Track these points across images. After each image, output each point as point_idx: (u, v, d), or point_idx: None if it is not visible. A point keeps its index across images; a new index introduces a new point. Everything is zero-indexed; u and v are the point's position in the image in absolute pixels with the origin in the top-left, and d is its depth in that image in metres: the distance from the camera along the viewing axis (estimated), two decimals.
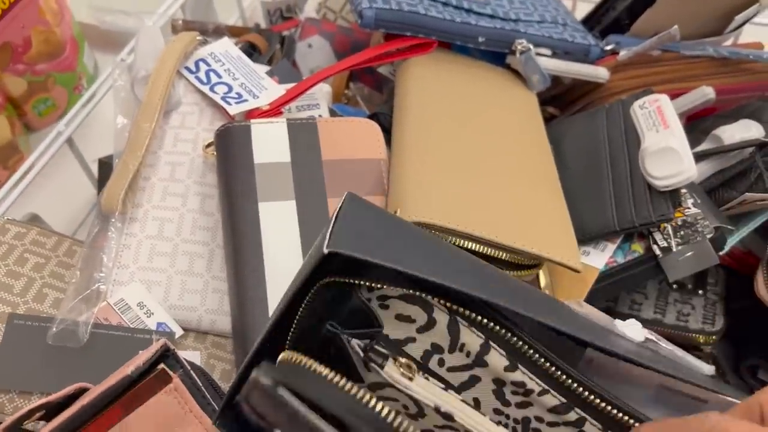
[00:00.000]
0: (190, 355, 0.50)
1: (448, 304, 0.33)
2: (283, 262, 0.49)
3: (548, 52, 0.66)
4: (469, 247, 0.49)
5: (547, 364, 0.33)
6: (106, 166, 0.65)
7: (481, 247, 0.49)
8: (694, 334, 0.58)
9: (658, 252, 0.53)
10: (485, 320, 0.33)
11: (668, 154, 0.53)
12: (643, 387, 0.36)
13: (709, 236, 0.52)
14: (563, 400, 0.33)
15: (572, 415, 0.34)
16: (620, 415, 0.33)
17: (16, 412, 0.38)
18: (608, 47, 0.67)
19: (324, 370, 0.27)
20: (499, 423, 0.36)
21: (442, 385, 0.34)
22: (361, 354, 0.30)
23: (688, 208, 0.53)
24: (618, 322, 0.42)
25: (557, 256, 0.50)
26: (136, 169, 0.54)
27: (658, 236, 0.53)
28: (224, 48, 0.65)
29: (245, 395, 0.28)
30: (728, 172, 0.56)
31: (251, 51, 0.73)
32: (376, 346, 0.30)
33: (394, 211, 0.49)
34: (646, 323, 0.58)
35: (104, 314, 0.49)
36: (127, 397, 0.37)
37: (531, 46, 0.64)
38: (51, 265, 0.52)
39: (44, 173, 0.61)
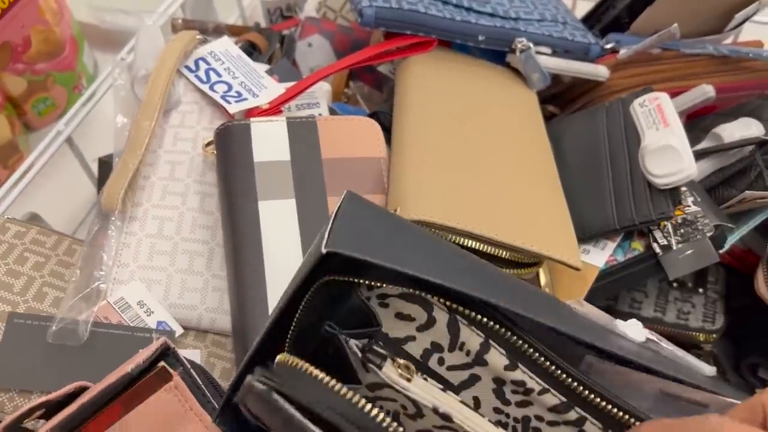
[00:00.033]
0: (190, 353, 0.50)
1: (447, 303, 0.33)
2: (283, 260, 0.49)
3: (548, 50, 0.66)
4: (469, 245, 0.49)
5: (547, 363, 0.33)
6: (105, 165, 0.65)
7: (481, 245, 0.49)
8: (694, 333, 0.58)
9: (658, 250, 0.53)
10: (485, 319, 0.33)
11: (668, 152, 0.53)
12: (643, 392, 0.36)
13: (709, 234, 0.52)
14: (563, 399, 0.33)
15: (572, 414, 0.34)
16: (620, 413, 0.33)
17: (16, 411, 0.38)
18: (608, 46, 0.67)
19: (320, 374, 0.27)
20: (499, 422, 0.36)
21: (441, 386, 0.34)
22: (359, 354, 0.30)
23: (688, 206, 0.53)
24: (619, 322, 0.42)
25: (557, 254, 0.50)
26: (136, 167, 0.54)
27: (658, 234, 0.53)
28: (224, 47, 0.65)
29: (241, 398, 0.28)
30: (728, 170, 0.56)
31: (251, 50, 0.73)
32: (375, 347, 0.30)
33: (394, 210, 0.49)
34: (647, 322, 0.58)
35: (104, 313, 0.49)
36: (127, 394, 0.37)
37: (531, 45, 0.64)
38: (51, 263, 0.52)
39: (44, 172, 0.61)
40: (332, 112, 0.64)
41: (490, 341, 0.33)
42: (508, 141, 0.58)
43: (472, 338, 0.33)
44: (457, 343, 0.34)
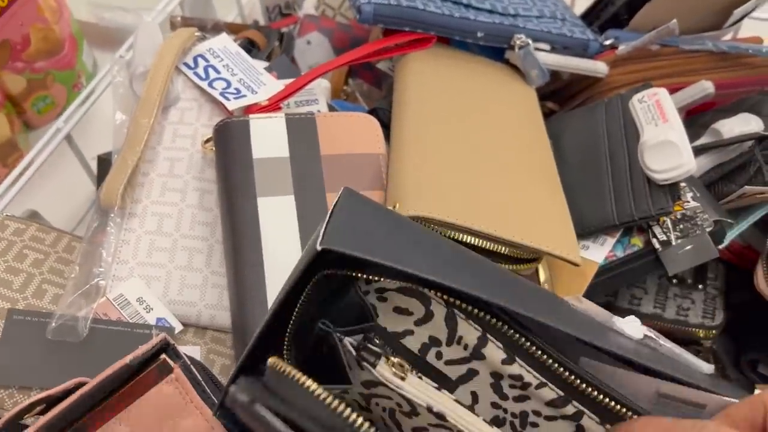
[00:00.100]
0: (190, 350, 0.50)
1: (445, 297, 0.33)
2: (282, 257, 0.49)
3: (547, 47, 0.66)
4: (468, 241, 0.49)
5: (545, 357, 0.33)
6: (105, 163, 0.65)
7: (480, 241, 0.49)
8: (694, 329, 0.58)
9: (657, 246, 0.53)
10: (482, 313, 0.33)
11: (667, 148, 0.53)
12: (640, 394, 0.36)
13: (708, 230, 0.52)
14: (561, 393, 0.33)
15: (570, 409, 0.34)
16: (618, 406, 0.33)
17: (16, 407, 0.38)
18: (607, 42, 0.67)
19: (306, 381, 0.27)
20: (496, 417, 0.36)
21: (436, 385, 0.35)
22: (354, 353, 0.30)
23: (688, 201, 0.53)
24: (617, 319, 0.42)
25: (556, 250, 0.50)
26: (135, 164, 0.54)
27: (657, 230, 0.53)
28: (223, 44, 0.65)
29: (230, 404, 0.28)
30: (727, 166, 0.56)
31: (250, 48, 0.73)
32: (369, 345, 0.30)
33: (393, 206, 0.49)
34: (646, 318, 0.58)
35: (103, 309, 0.49)
36: (128, 387, 0.37)
37: (530, 41, 0.64)
38: (50, 260, 0.52)
39: (43, 170, 0.61)
40: (331, 108, 0.64)
41: (488, 335, 0.33)
42: (508, 137, 0.58)
43: (469, 332, 0.33)
44: (455, 337, 0.34)
